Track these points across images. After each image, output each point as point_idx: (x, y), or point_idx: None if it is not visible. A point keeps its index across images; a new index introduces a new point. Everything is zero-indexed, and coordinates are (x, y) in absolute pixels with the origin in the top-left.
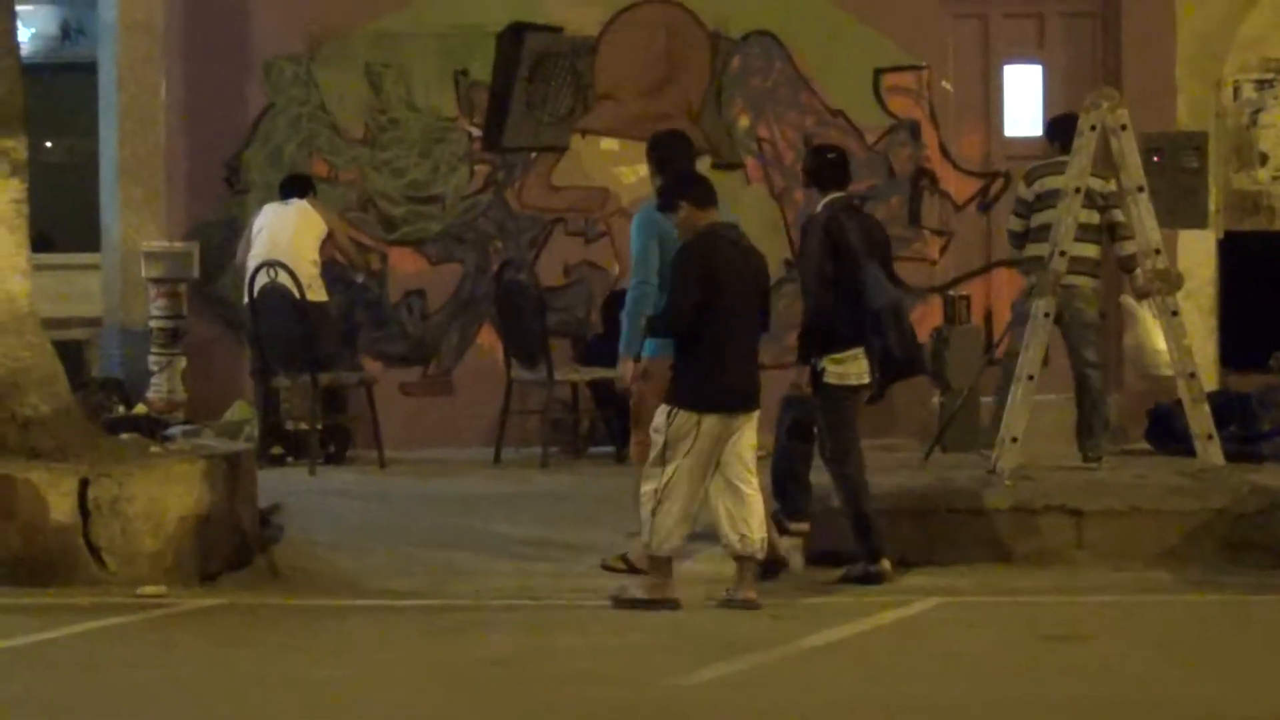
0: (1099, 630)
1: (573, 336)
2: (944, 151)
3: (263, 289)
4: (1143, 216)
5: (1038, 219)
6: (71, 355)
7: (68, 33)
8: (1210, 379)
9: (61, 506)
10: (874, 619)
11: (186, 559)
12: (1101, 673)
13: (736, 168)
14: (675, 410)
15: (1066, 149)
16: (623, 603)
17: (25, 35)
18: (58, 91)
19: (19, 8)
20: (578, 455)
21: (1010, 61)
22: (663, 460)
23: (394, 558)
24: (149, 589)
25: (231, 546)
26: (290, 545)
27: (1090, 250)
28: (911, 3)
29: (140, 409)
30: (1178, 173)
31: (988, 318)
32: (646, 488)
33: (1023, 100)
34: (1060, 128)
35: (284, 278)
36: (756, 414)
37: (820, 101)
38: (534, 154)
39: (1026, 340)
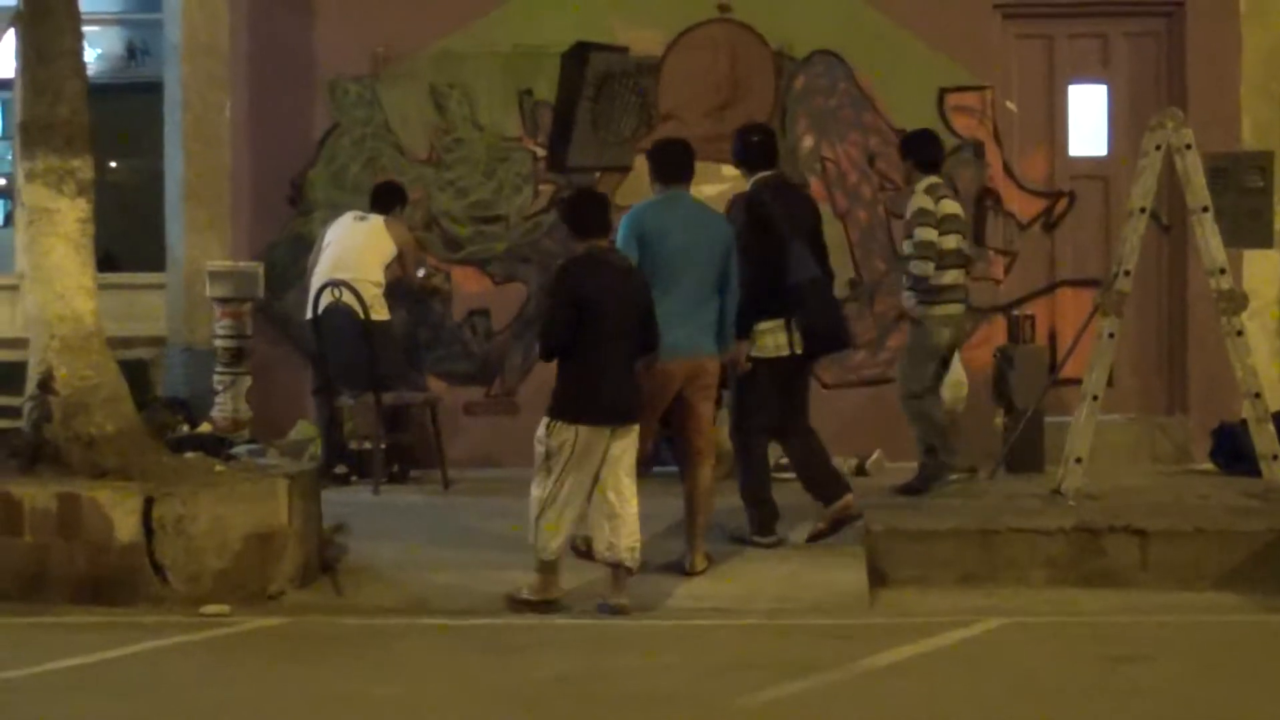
0: (1165, 651)
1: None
2: (1008, 171)
3: (327, 308)
4: (1207, 236)
5: (943, 243)
6: (136, 374)
7: (133, 53)
8: (1275, 399)
9: (126, 525)
10: (938, 639)
11: (250, 578)
12: (1168, 694)
13: (800, 188)
14: (553, 422)
15: (920, 167)
16: (516, 603)
17: (91, 56)
18: (123, 112)
19: (85, 28)
20: (641, 475)
21: (1075, 81)
22: (547, 470)
23: (457, 576)
24: (213, 608)
25: (295, 565)
26: (354, 564)
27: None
28: (976, 23)
29: (205, 428)
30: (1242, 193)
31: (1052, 337)
32: (534, 494)
33: (1087, 120)
34: (914, 144)
35: (348, 297)
36: (635, 426)
37: (884, 121)
38: (598, 174)
39: (1091, 360)
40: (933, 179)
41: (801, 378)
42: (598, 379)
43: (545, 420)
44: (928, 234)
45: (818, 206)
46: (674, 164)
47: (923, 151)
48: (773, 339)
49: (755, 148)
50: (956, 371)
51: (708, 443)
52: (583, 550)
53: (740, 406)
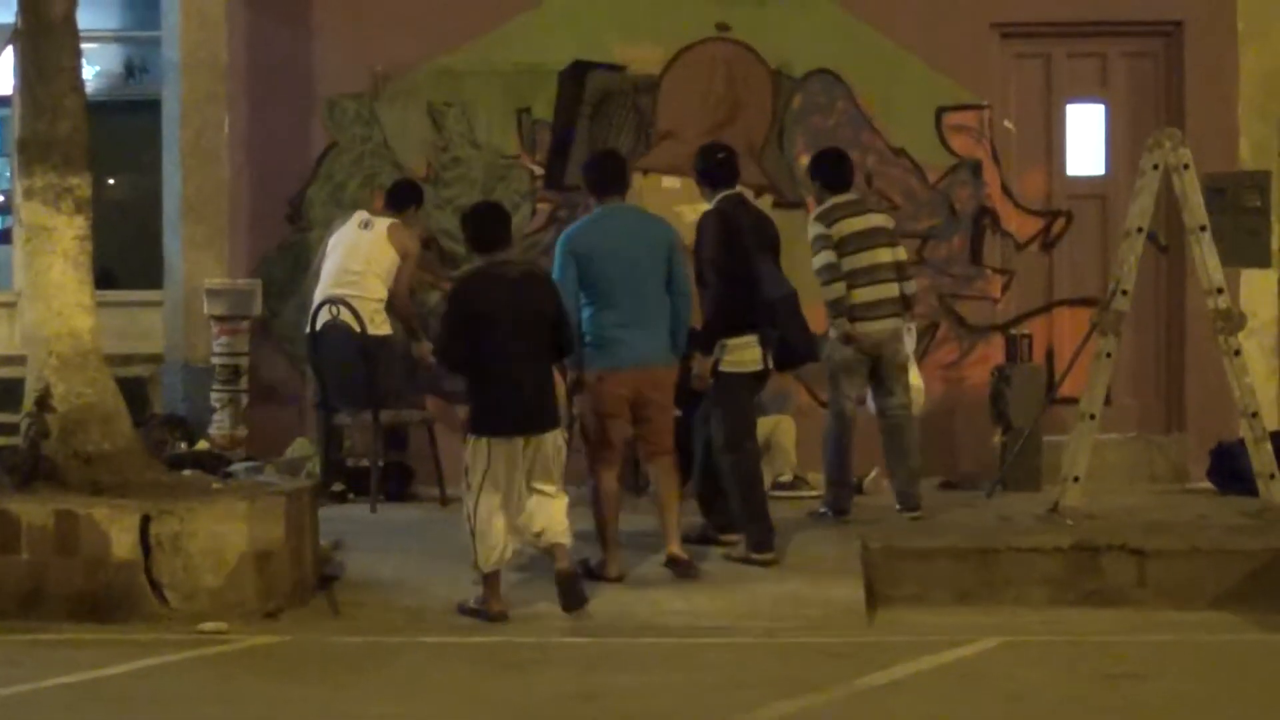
0: (1163, 670)
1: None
2: (1006, 190)
3: (325, 325)
4: (1205, 255)
5: (847, 263)
6: (134, 392)
7: (132, 71)
8: (1272, 419)
9: (123, 542)
10: (935, 658)
11: (247, 595)
12: (1166, 713)
13: (798, 206)
14: (468, 437)
15: (827, 187)
16: (465, 611)
17: (90, 73)
18: (122, 129)
19: (84, 46)
20: (638, 494)
21: (1073, 101)
22: (469, 484)
23: (455, 594)
24: (210, 625)
25: (292, 583)
26: (351, 582)
27: (895, 289)
28: (974, 42)
29: (202, 445)
30: (1240, 212)
31: (1049, 356)
32: (464, 510)
33: (1085, 140)
34: (823, 164)
35: (346, 315)
36: (553, 431)
37: (882, 140)
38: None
39: (1089, 379)
40: (836, 199)
41: (759, 393)
42: (502, 392)
43: (461, 435)
44: (825, 258)
45: (776, 226)
46: (605, 176)
47: (825, 172)
48: (750, 354)
49: (721, 165)
50: (913, 379)
51: (665, 441)
52: (591, 571)
53: (728, 426)
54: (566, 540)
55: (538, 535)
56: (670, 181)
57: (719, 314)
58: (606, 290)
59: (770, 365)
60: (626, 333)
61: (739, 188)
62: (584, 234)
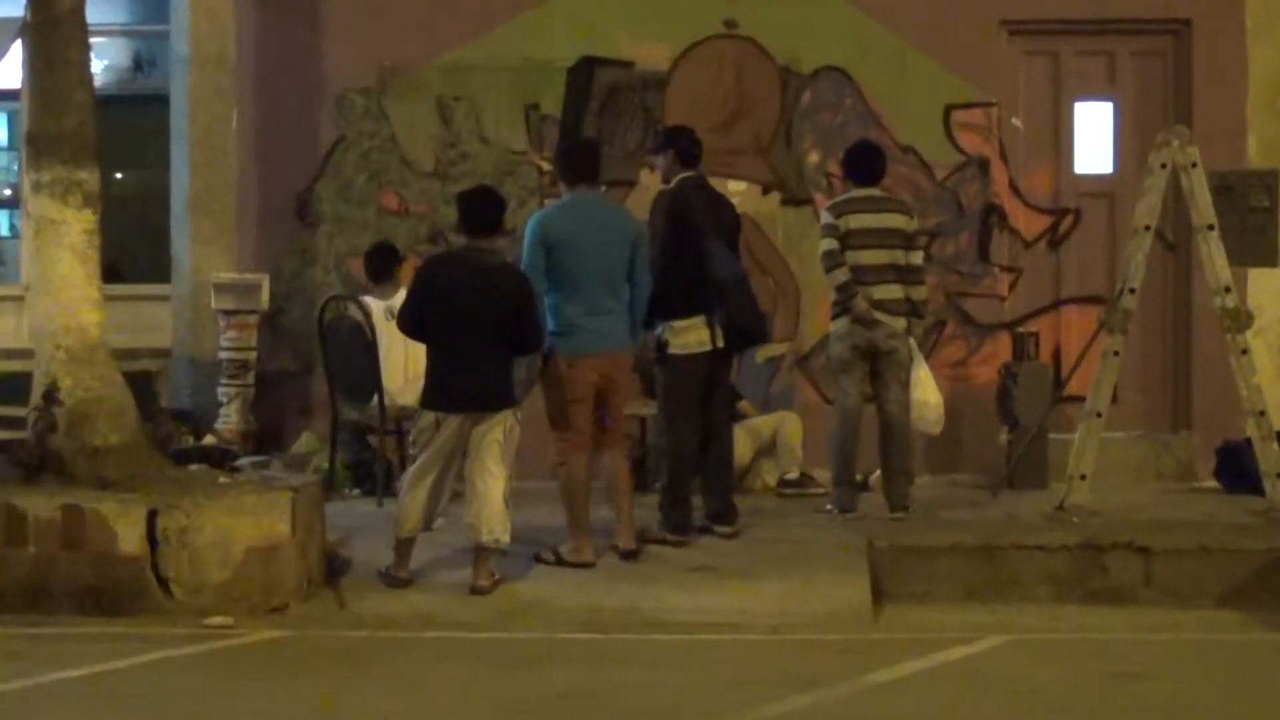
0: (1168, 669)
1: (641, 370)
2: (1014, 188)
3: (331, 319)
4: (1212, 254)
5: (852, 258)
6: (141, 386)
7: (140, 65)
8: (1279, 417)
9: (130, 537)
10: (941, 655)
11: (253, 590)
12: (1172, 711)
13: (805, 203)
14: (420, 410)
15: (849, 178)
16: (380, 575)
17: (98, 67)
18: (130, 123)
19: (92, 40)
20: (646, 489)
21: (1081, 99)
22: (412, 456)
23: (461, 589)
24: (216, 620)
25: (298, 578)
26: (358, 577)
27: (899, 290)
28: (982, 39)
29: (209, 440)
30: (1248, 211)
31: (1056, 354)
32: (406, 477)
33: (1093, 137)
34: (850, 156)
35: (353, 310)
36: (500, 413)
37: (890, 137)
38: (603, 188)
39: (1096, 377)
40: (854, 193)
41: (719, 374)
42: (450, 368)
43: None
44: (825, 244)
45: (737, 211)
46: (578, 165)
47: (849, 164)
48: (696, 335)
49: (691, 146)
50: (922, 391)
51: (620, 429)
52: (550, 560)
53: (668, 407)
54: (488, 538)
55: (470, 525)
56: None
57: (664, 292)
58: (573, 278)
59: (719, 344)
60: (593, 320)
61: (700, 170)
62: (554, 221)
